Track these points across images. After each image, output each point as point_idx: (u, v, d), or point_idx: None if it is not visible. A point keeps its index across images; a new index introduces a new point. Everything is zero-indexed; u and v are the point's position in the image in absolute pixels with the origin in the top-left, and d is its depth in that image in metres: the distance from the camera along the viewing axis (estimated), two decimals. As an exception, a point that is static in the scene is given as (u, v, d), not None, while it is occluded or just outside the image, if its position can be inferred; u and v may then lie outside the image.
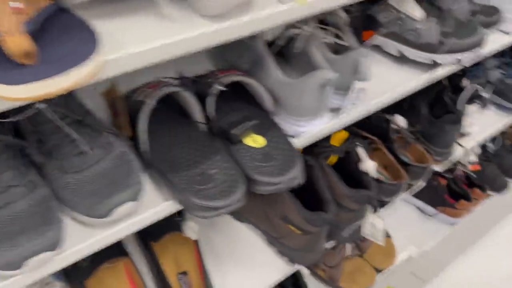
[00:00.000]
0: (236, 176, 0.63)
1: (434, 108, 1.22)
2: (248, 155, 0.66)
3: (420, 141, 1.18)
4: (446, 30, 0.92)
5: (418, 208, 1.53)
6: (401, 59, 0.98)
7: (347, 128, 1.13)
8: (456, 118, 1.12)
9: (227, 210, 0.61)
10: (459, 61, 0.95)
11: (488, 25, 1.04)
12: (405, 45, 0.95)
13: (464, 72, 1.27)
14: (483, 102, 1.29)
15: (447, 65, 0.95)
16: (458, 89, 1.25)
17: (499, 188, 1.58)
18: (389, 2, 0.91)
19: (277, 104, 0.77)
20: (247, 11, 0.60)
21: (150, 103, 0.64)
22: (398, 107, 1.24)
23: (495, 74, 1.38)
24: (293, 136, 0.77)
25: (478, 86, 1.19)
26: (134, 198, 0.60)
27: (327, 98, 0.75)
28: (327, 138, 0.95)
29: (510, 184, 1.63)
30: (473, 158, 1.58)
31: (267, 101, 0.74)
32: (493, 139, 1.63)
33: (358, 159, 0.96)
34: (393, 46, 0.97)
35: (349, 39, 0.83)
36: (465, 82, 1.28)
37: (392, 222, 1.47)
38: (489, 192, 1.57)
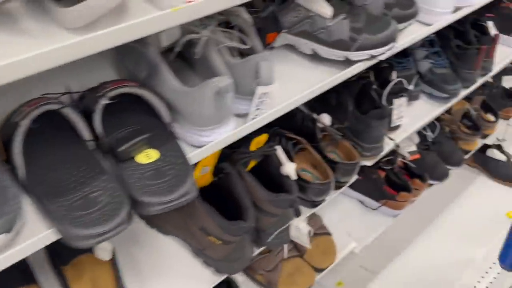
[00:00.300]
0: (121, 197, 0.59)
1: (363, 103, 1.22)
2: (138, 173, 0.63)
3: (349, 137, 1.17)
4: (357, 26, 0.91)
5: (361, 202, 1.53)
6: (317, 57, 0.96)
7: (272, 130, 1.11)
8: (382, 113, 1.12)
9: (111, 235, 0.57)
10: (372, 56, 0.93)
11: (405, 18, 1.03)
12: (317, 44, 0.93)
13: (392, 65, 1.27)
14: (410, 95, 1.29)
15: (361, 61, 0.94)
16: (387, 83, 1.25)
17: (440, 176, 1.59)
18: (297, 1, 0.89)
19: (177, 114, 0.74)
20: (118, 20, 0.56)
21: (24, 124, 0.60)
22: (326, 103, 1.23)
23: (425, 65, 1.39)
24: (198, 147, 0.74)
25: (403, 80, 1.19)
26: (8, 229, 0.55)
27: (227, 105, 0.72)
28: (247, 143, 0.93)
29: (451, 172, 1.65)
30: (413, 147, 1.60)
31: (163, 112, 0.70)
32: (432, 127, 1.64)
33: (279, 162, 0.94)
34: (306, 45, 0.95)
35: (253, 42, 0.81)
36: (394, 75, 1.27)
37: (335, 218, 1.47)
38: (430, 181, 1.59)
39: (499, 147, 2.00)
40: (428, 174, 1.58)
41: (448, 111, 1.63)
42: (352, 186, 1.53)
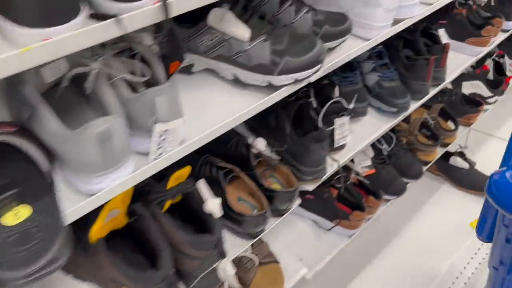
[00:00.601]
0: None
1: (303, 124, 1.14)
2: (1, 237, 0.54)
3: (288, 161, 1.09)
4: (279, 49, 0.83)
5: (314, 222, 1.46)
6: (240, 82, 0.88)
7: (203, 158, 1.03)
8: (320, 136, 1.04)
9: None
10: (297, 81, 0.86)
11: (337, 36, 0.95)
12: (238, 68, 0.85)
13: (333, 82, 1.20)
14: (356, 111, 1.22)
15: (286, 85, 0.86)
16: (330, 100, 1.18)
17: (397, 191, 1.53)
18: (210, 24, 0.81)
19: (63, 159, 0.65)
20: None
21: None
22: (266, 124, 1.15)
23: (372, 78, 1.32)
24: (90, 195, 0.66)
25: (341, 99, 1.12)
26: None
27: (117, 147, 0.63)
28: (166, 178, 0.84)
29: (412, 184, 1.59)
30: (368, 162, 1.53)
31: (40, 160, 0.62)
32: (388, 140, 1.58)
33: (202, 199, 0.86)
34: (226, 70, 0.87)
35: (155, 72, 0.72)
36: (336, 92, 1.20)
37: (286, 240, 1.39)
38: (387, 196, 1.52)
39: (461, 155, 1.95)
40: (384, 189, 1.52)
41: (406, 120, 1.57)
42: (304, 206, 1.47)
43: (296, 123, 1.13)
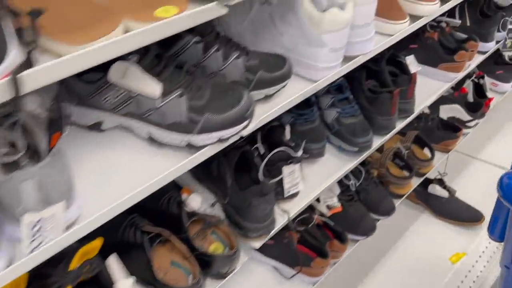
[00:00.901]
0: None
1: (251, 172, 1.03)
2: None
3: (231, 216, 0.98)
4: (199, 104, 0.72)
5: (276, 268, 1.34)
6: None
7: (128, 219, 0.91)
8: (262, 190, 0.93)
9: None
10: (221, 140, 0.74)
11: (274, 82, 0.84)
12: (152, 127, 0.74)
13: (282, 125, 1.08)
14: (311, 153, 1.11)
15: (209, 145, 0.75)
16: (280, 144, 1.06)
17: (366, 231, 1.41)
18: (111, 81, 0.70)
19: None
20: None
21: None
22: (209, 172, 1.04)
23: (331, 114, 1.21)
24: None
25: (286, 149, 1.00)
26: None
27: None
28: (67, 259, 0.72)
29: (380, 222, 1.48)
30: (334, 199, 1.41)
31: None
32: (356, 174, 1.46)
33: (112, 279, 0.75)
34: (140, 128, 0.75)
35: (36, 144, 0.61)
36: (287, 134, 1.09)
37: (244, 290, 1.28)
38: (354, 237, 1.41)
39: (441, 182, 1.84)
40: (352, 229, 1.40)
41: (379, 149, 1.46)
42: (263, 251, 1.35)
43: (242, 171, 1.02)
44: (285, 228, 1.26)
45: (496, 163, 2.07)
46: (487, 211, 1.82)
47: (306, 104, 1.18)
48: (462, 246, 1.73)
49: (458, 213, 1.80)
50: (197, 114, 0.71)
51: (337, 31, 0.86)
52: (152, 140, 0.75)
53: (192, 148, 0.74)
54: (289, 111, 1.17)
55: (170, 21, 0.60)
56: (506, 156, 2.09)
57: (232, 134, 0.74)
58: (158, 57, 0.73)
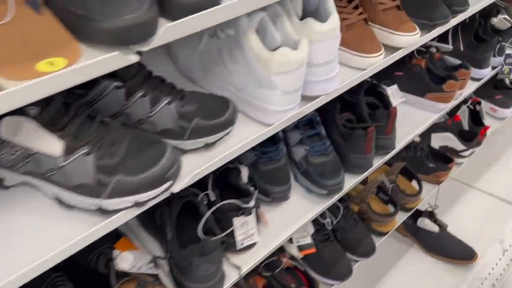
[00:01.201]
0: None
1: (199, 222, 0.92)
2: None
3: (173, 273, 0.87)
4: (109, 164, 0.61)
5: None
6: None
7: (50, 279, 0.81)
8: (203, 248, 0.82)
9: None
10: (138, 204, 0.64)
11: (214, 130, 0.72)
12: (56, 188, 0.64)
13: (238, 169, 0.97)
14: (273, 196, 1.00)
15: (124, 210, 0.64)
16: (236, 190, 0.95)
17: (341, 275, 1.29)
18: (3, 138, 0.59)
19: None
20: None
21: None
22: (152, 220, 0.93)
23: (299, 151, 1.09)
24: None
25: (236, 201, 0.88)
26: None
27: None
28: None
29: (358, 265, 1.36)
30: (308, 239, 1.30)
31: None
32: (333, 210, 1.34)
33: None
34: (45, 188, 0.65)
35: None
36: (244, 178, 0.98)
37: None
38: (329, 281, 1.29)
39: (431, 216, 1.71)
40: (326, 272, 1.29)
41: (363, 181, 1.33)
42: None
43: (190, 220, 0.91)
44: (251, 273, 1.16)
45: (494, 193, 1.93)
46: (482, 247, 1.70)
47: (272, 141, 1.07)
48: (452, 287, 1.61)
49: (449, 250, 1.67)
50: (106, 175, 0.61)
51: (288, 73, 0.75)
52: (59, 202, 0.65)
53: (104, 212, 0.64)
54: (252, 148, 1.07)
55: (57, 76, 0.50)
56: (506, 186, 1.96)
57: (151, 198, 0.64)
58: (67, 105, 0.63)
